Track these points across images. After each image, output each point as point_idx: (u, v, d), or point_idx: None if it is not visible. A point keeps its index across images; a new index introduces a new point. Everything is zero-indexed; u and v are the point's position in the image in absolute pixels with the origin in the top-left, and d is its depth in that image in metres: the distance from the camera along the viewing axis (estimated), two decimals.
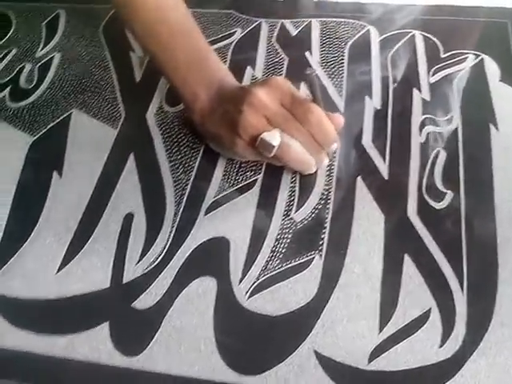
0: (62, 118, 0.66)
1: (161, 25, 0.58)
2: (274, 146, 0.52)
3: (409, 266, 0.52)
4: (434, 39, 0.70)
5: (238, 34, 0.74)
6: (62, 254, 0.55)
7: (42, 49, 0.75)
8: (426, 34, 0.71)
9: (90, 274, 0.54)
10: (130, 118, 0.66)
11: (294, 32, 0.73)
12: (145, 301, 0.52)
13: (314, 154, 0.55)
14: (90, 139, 0.64)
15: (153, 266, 0.54)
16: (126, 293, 0.52)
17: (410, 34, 0.71)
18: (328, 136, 0.54)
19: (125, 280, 0.53)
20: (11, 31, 0.78)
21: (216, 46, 0.72)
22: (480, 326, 0.48)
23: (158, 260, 0.54)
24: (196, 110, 0.58)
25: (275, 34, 0.73)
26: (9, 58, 0.74)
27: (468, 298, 0.50)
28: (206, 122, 0.58)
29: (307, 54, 0.70)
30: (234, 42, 0.73)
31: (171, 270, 0.53)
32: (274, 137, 0.52)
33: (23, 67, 0.73)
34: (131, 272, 0.54)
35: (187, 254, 0.54)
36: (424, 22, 0.72)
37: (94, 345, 0.50)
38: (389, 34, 0.71)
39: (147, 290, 0.52)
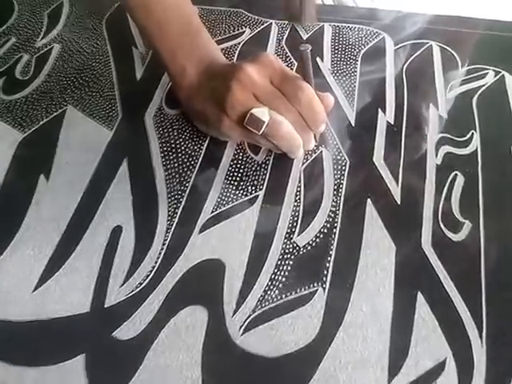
0: (55, 114, 0.54)
1: None
2: (263, 122, 0.44)
3: (422, 307, 0.41)
4: (452, 51, 0.58)
5: (247, 34, 0.62)
6: (41, 269, 0.44)
7: (42, 39, 0.62)
8: (443, 46, 0.59)
9: (69, 294, 0.42)
10: (128, 118, 0.54)
11: (305, 35, 0.61)
12: (127, 330, 0.40)
13: (302, 135, 0.47)
14: (82, 140, 0.52)
15: (139, 289, 0.42)
16: (107, 319, 0.41)
17: (427, 45, 0.58)
18: (317, 116, 0.46)
19: (107, 304, 0.42)
20: (13, 18, 0.65)
21: (223, 46, 0.60)
22: (500, 382, 0.37)
23: (145, 283, 0.43)
24: (183, 86, 0.49)
25: (285, 37, 0.60)
26: (7, 46, 0.62)
27: (487, 348, 0.39)
28: (193, 98, 0.49)
29: (318, 59, 0.57)
30: (242, 43, 0.60)
31: (159, 295, 0.42)
32: (263, 113, 0.44)
33: (20, 57, 0.60)
34: (114, 295, 0.42)
35: (177, 278, 0.43)
36: (442, 33, 0.60)
37: (67, 380, 0.38)
38: (405, 44, 0.59)
39: (131, 318, 0.41)
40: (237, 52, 0.59)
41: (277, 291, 0.42)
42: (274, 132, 0.45)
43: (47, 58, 0.60)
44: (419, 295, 0.41)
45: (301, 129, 0.46)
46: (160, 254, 0.44)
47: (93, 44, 0.61)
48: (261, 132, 0.44)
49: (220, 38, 0.61)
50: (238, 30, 0.62)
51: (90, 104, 0.55)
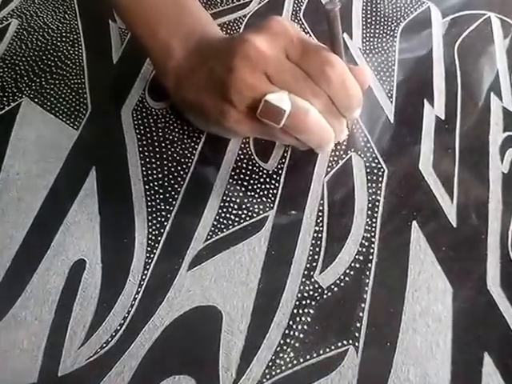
0: (6, 109, 0.44)
1: None
2: (284, 111, 0.34)
3: (490, 374, 0.32)
4: None
5: (255, 3, 0.51)
6: None
7: None
8: (505, 18, 0.48)
9: (11, 359, 0.33)
10: (99, 114, 0.44)
11: None
12: None
13: (333, 124, 0.37)
14: (39, 143, 0.42)
15: (104, 350, 0.33)
16: None
17: (485, 17, 0.48)
18: (352, 100, 0.36)
19: (61, 372, 0.32)
20: None
21: (224, 19, 0.50)
22: None
23: (113, 342, 0.33)
24: (169, 71, 0.39)
25: (303, 7, 0.50)
26: None
27: None
28: (183, 86, 0.39)
29: (345, 36, 0.47)
30: (249, 15, 0.50)
31: (131, 359, 0.33)
32: (282, 99, 0.34)
33: None
34: (71, 359, 0.33)
35: (157, 334, 0.33)
36: (502, 2, 0.50)
37: None
38: (455, 15, 0.48)
39: None
40: (242, 27, 0.50)
41: (292, 353, 0.33)
42: (299, 123, 0.35)
43: (1, 37, 0.49)
44: (486, 357, 0.32)
45: (332, 116, 0.37)
46: (135, 299, 0.35)
47: (59, 18, 0.51)
48: (281, 124, 0.34)
49: (221, 8, 0.51)
50: None
51: (51, 95, 0.45)
